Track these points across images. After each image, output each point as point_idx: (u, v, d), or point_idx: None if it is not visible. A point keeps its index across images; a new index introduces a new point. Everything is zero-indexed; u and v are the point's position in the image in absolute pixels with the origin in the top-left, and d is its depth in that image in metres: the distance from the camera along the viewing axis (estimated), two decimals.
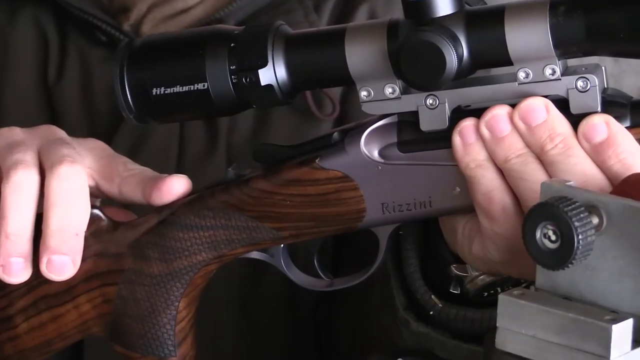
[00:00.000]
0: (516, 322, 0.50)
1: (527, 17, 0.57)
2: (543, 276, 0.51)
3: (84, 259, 0.67)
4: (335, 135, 0.63)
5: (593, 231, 0.48)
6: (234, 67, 0.60)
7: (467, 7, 0.60)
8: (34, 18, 0.95)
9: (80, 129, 0.90)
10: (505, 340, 0.50)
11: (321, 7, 0.93)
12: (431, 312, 0.68)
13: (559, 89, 0.58)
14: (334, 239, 0.79)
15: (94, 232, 0.67)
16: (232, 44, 0.61)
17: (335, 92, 0.84)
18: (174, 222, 0.67)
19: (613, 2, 0.57)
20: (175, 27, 0.93)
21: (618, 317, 0.47)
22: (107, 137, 0.88)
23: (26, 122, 0.85)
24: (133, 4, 0.93)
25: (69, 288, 0.67)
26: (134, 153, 0.88)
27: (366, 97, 0.61)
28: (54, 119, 0.94)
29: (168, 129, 0.90)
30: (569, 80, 0.58)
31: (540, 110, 0.57)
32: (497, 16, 0.57)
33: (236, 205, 0.65)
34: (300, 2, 0.92)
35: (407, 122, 0.62)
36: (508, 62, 0.58)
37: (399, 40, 0.58)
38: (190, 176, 0.75)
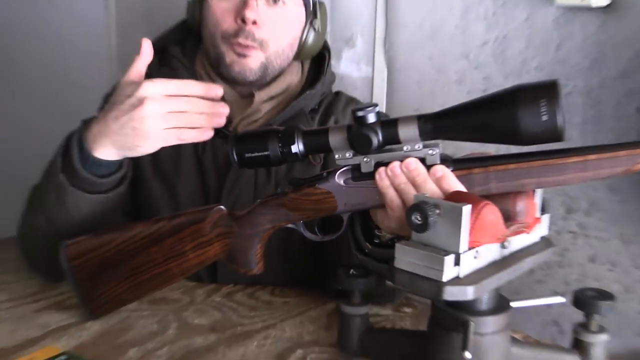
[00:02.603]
0: (403, 254, 0.75)
1: (408, 122, 0.86)
2: (415, 236, 0.75)
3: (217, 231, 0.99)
4: (324, 174, 0.94)
5: (436, 216, 0.72)
6: (280, 144, 0.92)
7: (382, 116, 0.88)
8: None
9: (195, 177, 1.26)
10: (399, 263, 0.75)
11: (314, 118, 1.30)
12: (366, 250, 0.98)
13: (421, 154, 0.87)
14: (322, 219, 1.00)
15: (220, 218, 1.00)
16: (279, 134, 0.92)
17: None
18: (255, 211, 0.99)
19: (443, 116, 0.84)
20: (251, 127, 1.26)
21: (447, 253, 0.73)
22: (217, 183, 1.25)
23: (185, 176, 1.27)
24: (233, 118, 1.25)
25: (210, 239, 1.00)
26: (233, 186, 1.24)
27: (338, 157, 0.91)
28: (201, 171, 1.26)
29: (253, 172, 1.23)
30: (426, 150, 0.86)
31: (413, 164, 0.86)
32: (394, 122, 0.86)
33: (282, 204, 0.96)
34: (305, 116, 1.29)
35: (356, 167, 0.91)
36: (399, 142, 0.87)
37: (351, 133, 0.88)
38: (262, 193, 1.17)
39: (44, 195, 1.08)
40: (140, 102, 0.97)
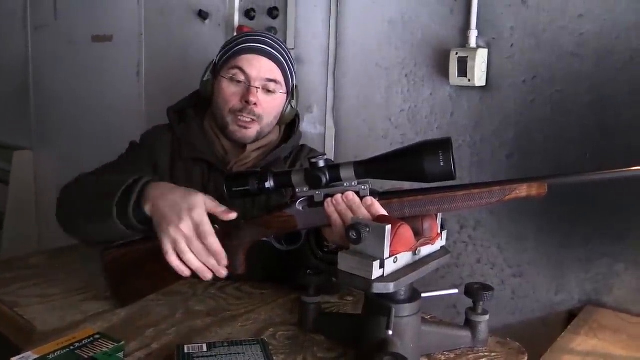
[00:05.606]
0: (343, 260, 0.73)
1: (347, 167, 0.85)
2: (352, 247, 0.73)
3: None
4: (289, 202, 0.91)
5: (367, 233, 0.71)
6: (257, 182, 0.89)
7: (329, 162, 0.85)
8: (201, 168, 1.22)
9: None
10: (341, 266, 0.73)
11: (287, 163, 1.27)
12: (318, 256, 0.98)
13: (356, 189, 0.85)
14: (287, 234, 0.94)
15: (218, 233, 0.90)
16: (257, 175, 0.89)
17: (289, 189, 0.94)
18: (240, 228, 0.93)
19: (371, 162, 0.83)
20: (243, 169, 1.23)
21: (374, 259, 0.71)
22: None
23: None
24: (230, 161, 1.24)
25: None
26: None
27: (298, 191, 0.88)
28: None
29: (242, 203, 1.13)
30: (360, 186, 0.85)
31: (351, 195, 0.85)
32: (337, 167, 0.85)
33: (259, 224, 0.92)
34: (281, 162, 1.26)
35: (311, 198, 0.89)
36: (341, 180, 0.86)
37: (307, 174, 0.86)
38: (248, 215, 1.01)
39: (91, 206, 0.99)
40: (182, 219, 0.90)
